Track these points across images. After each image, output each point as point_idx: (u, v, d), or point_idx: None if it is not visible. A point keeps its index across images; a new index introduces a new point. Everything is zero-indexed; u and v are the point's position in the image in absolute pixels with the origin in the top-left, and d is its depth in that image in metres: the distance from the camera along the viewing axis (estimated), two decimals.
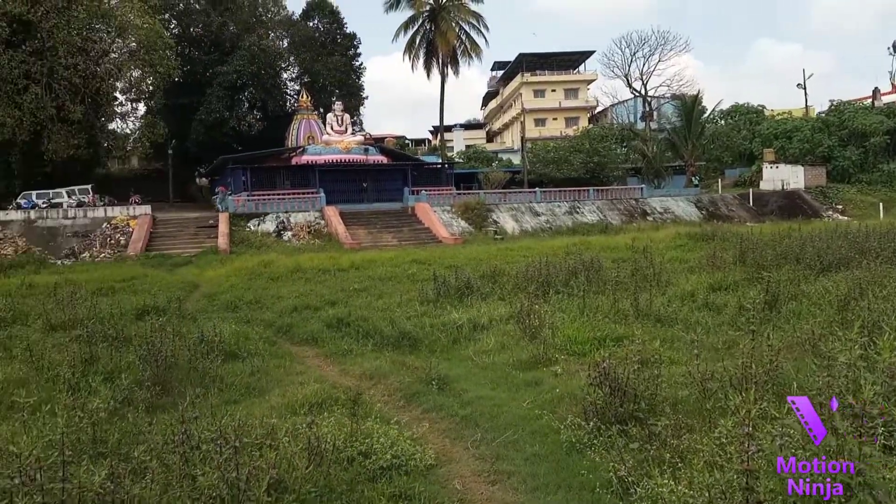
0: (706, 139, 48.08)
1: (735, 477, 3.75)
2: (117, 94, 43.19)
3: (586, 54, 73.48)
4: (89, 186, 37.15)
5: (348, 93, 50.71)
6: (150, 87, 43.74)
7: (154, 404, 6.71)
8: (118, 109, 43.38)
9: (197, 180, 58.42)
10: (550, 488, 4.87)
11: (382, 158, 40.50)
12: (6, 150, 37.84)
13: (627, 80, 57.72)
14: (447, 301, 12.60)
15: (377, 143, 46.24)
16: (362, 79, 54.65)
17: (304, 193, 34.79)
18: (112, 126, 43.89)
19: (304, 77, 49.95)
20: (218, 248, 27.71)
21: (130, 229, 29.53)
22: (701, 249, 18.51)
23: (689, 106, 45.28)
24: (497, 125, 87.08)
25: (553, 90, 73.86)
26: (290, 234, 31.46)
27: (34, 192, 34.70)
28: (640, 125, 59.50)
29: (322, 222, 32.74)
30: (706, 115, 49.66)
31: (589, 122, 74.01)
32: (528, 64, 73.05)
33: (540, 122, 73.32)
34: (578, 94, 74.32)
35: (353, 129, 42.14)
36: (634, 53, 57.65)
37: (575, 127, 71.16)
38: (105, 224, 30.07)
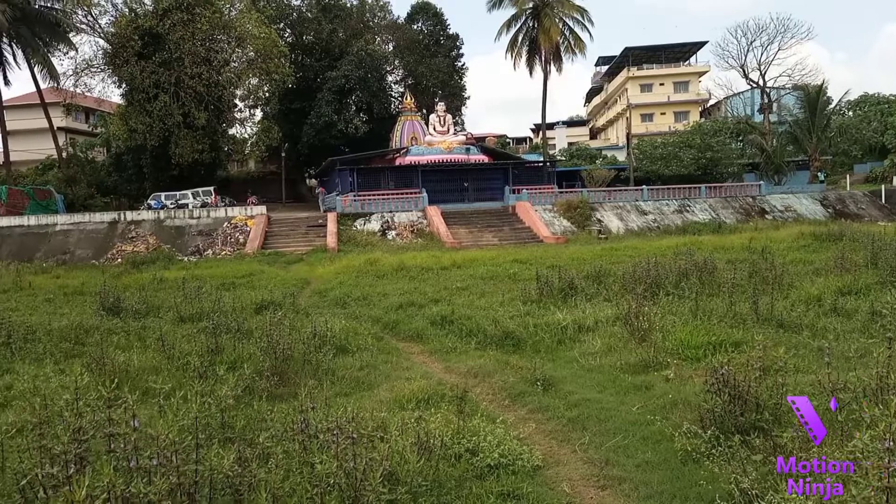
0: (832, 132, 44.68)
1: (873, 494, 3.46)
2: (237, 101, 46.00)
3: (697, 45, 70.33)
4: (212, 188, 39.75)
5: (450, 93, 51.33)
6: (267, 94, 46.27)
7: (273, 393, 7.08)
8: (237, 115, 46.16)
9: (307, 181, 61.16)
10: (665, 497, 4.69)
11: (483, 158, 40.69)
12: (138, 155, 41.23)
13: (744, 71, 54.64)
14: (550, 301, 12.44)
15: (478, 142, 46.51)
16: (464, 79, 55.21)
17: (407, 193, 35.54)
18: (232, 131, 46.74)
19: (408, 79, 51.11)
20: (327, 247, 28.85)
21: (248, 228, 31.32)
22: (827, 250, 17.24)
23: (813, 97, 42.23)
24: (601, 121, 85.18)
25: (661, 84, 71.24)
26: (393, 233, 32.22)
27: (163, 194, 37.60)
28: (758, 118, 56.20)
29: (424, 222, 33.30)
30: (832, 106, 46.18)
31: (700, 116, 70.85)
32: (634, 58, 70.88)
33: (647, 118, 71.00)
34: (689, 87, 71.25)
35: (455, 130, 42.64)
36: (751, 42, 54.41)
37: (685, 122, 68.38)
38: (226, 223, 32.07)
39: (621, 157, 58.32)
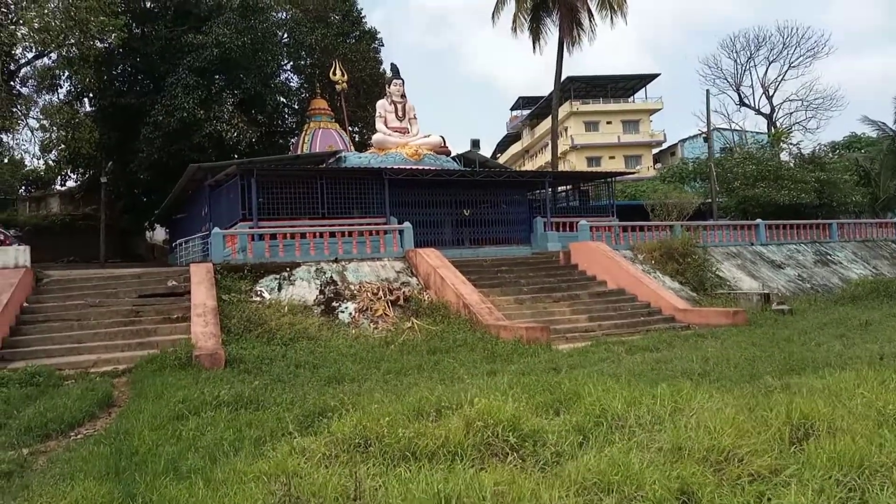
0: None
1: None
2: (14, 81, 26.01)
3: (647, 78, 59.21)
4: None
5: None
6: (76, 76, 26.56)
7: None
8: (15, 109, 25.56)
9: (148, 236, 40.61)
10: None
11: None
12: None
13: (739, 95, 42.70)
14: None
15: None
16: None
17: (365, 224, 17.46)
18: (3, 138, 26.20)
19: (315, 73, 32.99)
20: (194, 352, 10.02)
21: None
22: None
23: None
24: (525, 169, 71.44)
25: (608, 122, 58.99)
26: (352, 306, 13.98)
27: None
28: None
29: (413, 281, 15.44)
30: None
31: (654, 162, 59.15)
32: (576, 91, 58.39)
33: (593, 161, 58.03)
34: (639, 126, 59.52)
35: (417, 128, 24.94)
36: (749, 58, 42.81)
37: (637, 167, 56.37)
38: None
39: None
